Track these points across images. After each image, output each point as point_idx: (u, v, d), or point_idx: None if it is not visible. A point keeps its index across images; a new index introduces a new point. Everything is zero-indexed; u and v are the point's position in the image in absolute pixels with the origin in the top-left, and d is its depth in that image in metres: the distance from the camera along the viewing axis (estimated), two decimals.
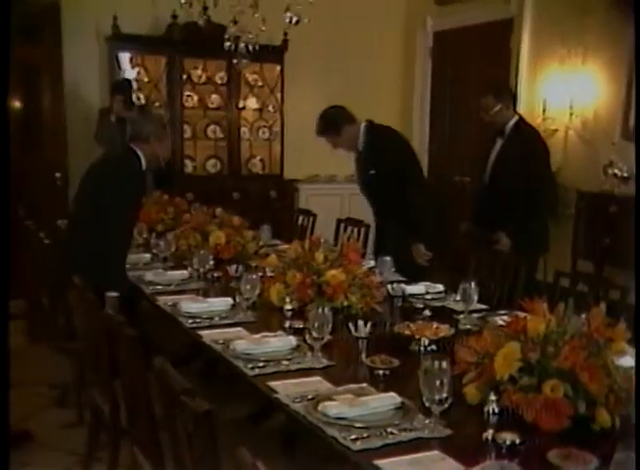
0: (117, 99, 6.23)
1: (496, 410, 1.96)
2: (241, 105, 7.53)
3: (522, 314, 2.21)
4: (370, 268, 3.54)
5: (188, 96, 7.33)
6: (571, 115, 6.27)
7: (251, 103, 7.62)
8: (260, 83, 7.60)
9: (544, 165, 4.59)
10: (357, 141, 4.37)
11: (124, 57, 7.02)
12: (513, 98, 4.79)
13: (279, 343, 2.58)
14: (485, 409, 1.97)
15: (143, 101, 7.15)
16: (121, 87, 6.38)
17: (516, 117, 4.64)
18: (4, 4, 2.81)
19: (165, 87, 7.21)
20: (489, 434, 1.84)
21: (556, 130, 6.40)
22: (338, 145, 4.41)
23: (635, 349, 2.11)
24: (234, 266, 3.72)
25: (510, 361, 1.99)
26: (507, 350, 2.02)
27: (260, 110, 7.65)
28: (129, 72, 7.06)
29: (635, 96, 5.63)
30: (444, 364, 1.90)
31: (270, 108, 7.65)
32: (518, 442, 1.80)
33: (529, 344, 2.03)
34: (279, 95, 7.60)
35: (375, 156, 4.31)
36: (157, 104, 7.21)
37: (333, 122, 4.37)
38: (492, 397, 1.97)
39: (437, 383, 1.89)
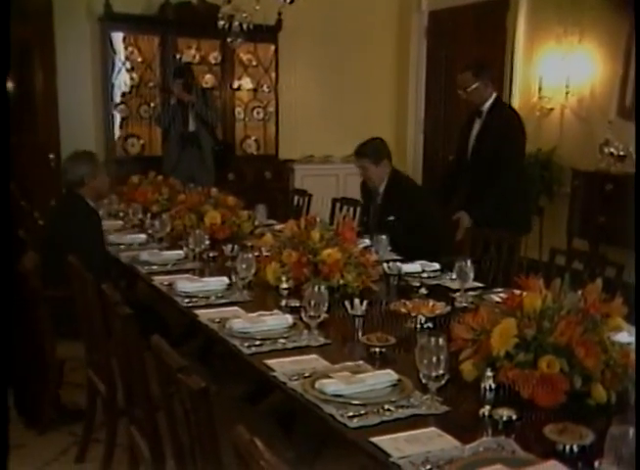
0: (177, 83, 6.36)
1: (493, 387, 1.96)
2: (235, 85, 7.50)
3: (518, 292, 2.20)
4: (366, 247, 3.54)
5: None
6: (567, 93, 6.26)
7: (246, 83, 7.59)
8: (255, 63, 7.57)
9: (517, 147, 4.54)
10: (382, 182, 4.33)
11: (117, 37, 6.99)
12: (491, 77, 4.72)
13: (275, 321, 2.57)
14: (482, 386, 1.97)
15: (206, 84, 7.24)
16: (181, 72, 6.50)
17: (493, 97, 4.59)
18: None
19: (159, 67, 7.18)
20: (486, 410, 1.84)
21: (552, 109, 6.39)
22: (368, 173, 4.33)
23: (635, 328, 2.11)
24: (229, 246, 3.72)
25: (506, 338, 1.99)
26: (503, 326, 2.02)
27: (255, 90, 7.63)
28: (123, 52, 7.04)
29: (635, 85, 5.60)
30: (441, 341, 1.89)
31: (265, 88, 7.62)
32: (514, 418, 1.79)
33: (526, 320, 2.02)
34: (273, 75, 7.58)
35: (394, 204, 4.27)
36: (150, 84, 7.18)
37: (377, 152, 4.32)
38: (489, 373, 1.97)
39: (434, 360, 1.88)
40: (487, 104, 4.55)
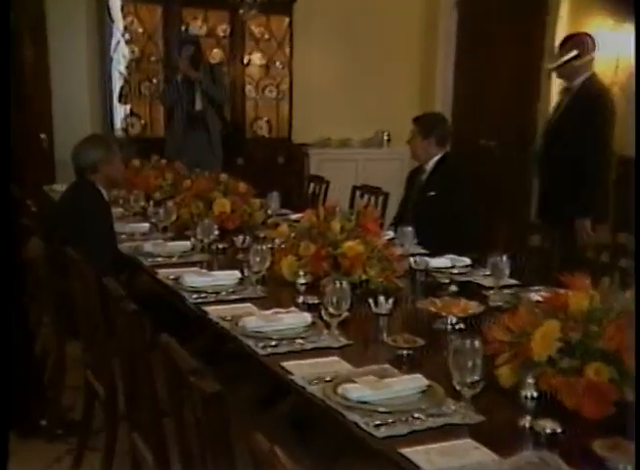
0: (184, 58, 6.37)
1: (534, 395, 1.95)
2: (245, 60, 7.49)
3: (561, 290, 2.19)
4: (390, 239, 3.54)
5: None
6: (616, 68, 6.19)
7: (257, 58, 7.57)
8: (267, 37, 7.54)
9: (603, 131, 4.53)
10: (430, 160, 4.42)
11: (115, 5, 6.94)
12: (592, 52, 4.64)
13: (292, 320, 2.57)
14: (521, 394, 1.97)
15: (213, 60, 7.21)
16: (187, 46, 6.47)
17: (588, 73, 4.56)
18: None
19: (162, 40, 7.16)
20: (526, 421, 1.83)
21: None
22: (413, 143, 4.47)
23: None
24: (241, 237, 3.73)
25: (549, 341, 1.97)
26: (546, 328, 2.00)
27: (267, 66, 7.61)
28: (122, 22, 7.02)
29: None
30: (477, 344, 1.89)
31: (278, 64, 7.61)
32: (558, 430, 1.78)
33: (571, 322, 2.01)
34: (287, 50, 7.55)
35: (438, 182, 4.37)
36: (152, 58, 7.17)
37: (429, 125, 4.44)
38: (529, 380, 1.96)
39: (469, 364, 1.87)
40: (580, 79, 4.54)
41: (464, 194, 4.31)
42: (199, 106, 6.49)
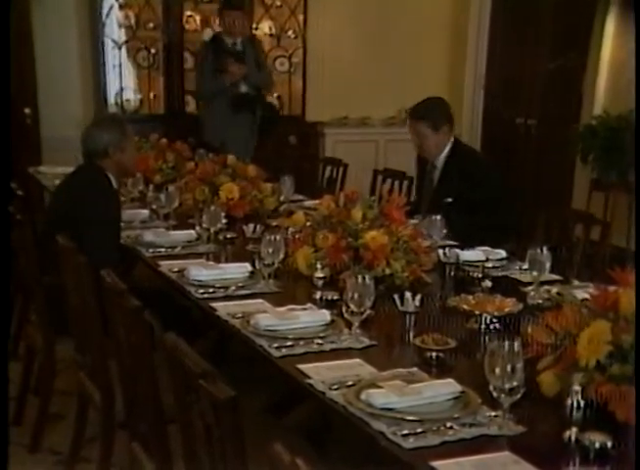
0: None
1: (580, 404, 1.95)
2: (253, 29, 7.48)
3: (610, 287, 2.18)
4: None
5: (189, 16, 7.31)
6: None
7: (267, 27, 7.58)
8: (278, 3, 7.54)
9: None
10: (440, 154, 4.37)
11: None
12: None
13: (309, 318, 2.58)
14: (566, 403, 1.96)
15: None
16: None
17: None
18: None
19: (161, 5, 7.18)
20: (572, 433, 1.82)
21: None
22: (424, 142, 4.36)
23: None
24: (251, 226, 3.75)
25: (597, 344, 1.97)
26: (593, 329, 2.00)
27: (278, 36, 7.61)
28: None
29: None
30: (517, 346, 1.89)
31: (290, 33, 7.62)
32: (609, 444, 1.77)
33: (622, 323, 2.01)
34: (301, 17, 7.55)
35: (452, 182, 4.31)
36: (150, 25, 7.16)
37: (438, 114, 4.36)
38: (576, 387, 1.96)
39: (508, 369, 1.87)
40: None
41: (491, 190, 4.25)
42: (244, 88, 6.42)
